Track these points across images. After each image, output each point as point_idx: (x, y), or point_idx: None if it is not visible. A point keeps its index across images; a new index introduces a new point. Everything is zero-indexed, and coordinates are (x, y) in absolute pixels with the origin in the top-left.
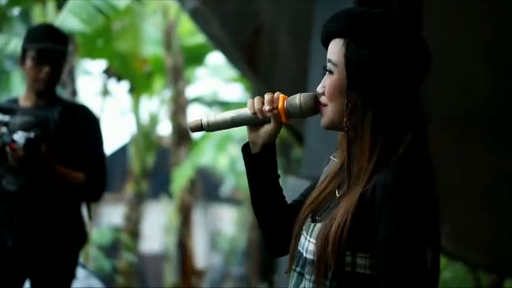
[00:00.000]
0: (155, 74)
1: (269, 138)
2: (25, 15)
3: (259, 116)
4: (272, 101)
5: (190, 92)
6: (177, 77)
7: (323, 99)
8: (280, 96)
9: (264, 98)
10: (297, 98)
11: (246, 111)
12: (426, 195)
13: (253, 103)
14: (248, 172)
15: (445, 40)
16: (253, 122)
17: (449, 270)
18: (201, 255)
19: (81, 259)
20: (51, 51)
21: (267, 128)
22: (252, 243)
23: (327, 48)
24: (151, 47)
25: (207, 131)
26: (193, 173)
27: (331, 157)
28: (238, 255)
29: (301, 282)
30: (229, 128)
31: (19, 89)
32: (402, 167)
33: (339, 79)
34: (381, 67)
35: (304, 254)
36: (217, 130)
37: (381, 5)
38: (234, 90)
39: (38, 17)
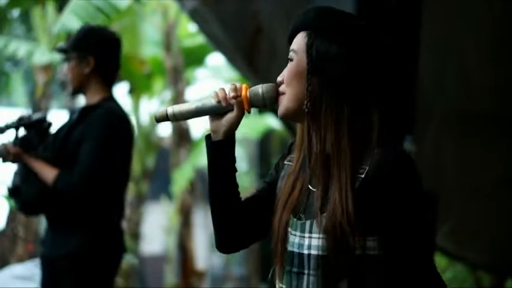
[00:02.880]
0: (155, 74)
1: (231, 126)
2: (25, 17)
3: (223, 104)
4: (236, 90)
5: (190, 93)
6: (177, 78)
7: (282, 87)
8: (243, 85)
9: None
10: (259, 88)
11: (210, 100)
12: (418, 176)
13: (217, 92)
14: (209, 161)
15: (445, 39)
16: (217, 111)
17: (450, 271)
18: (202, 256)
19: None
20: (62, 51)
21: (229, 116)
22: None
23: (290, 44)
24: (150, 48)
25: (172, 121)
26: (194, 174)
27: (285, 162)
28: (239, 256)
29: (301, 281)
30: (193, 117)
31: (19, 90)
32: (389, 150)
33: (297, 65)
34: (337, 54)
35: (305, 251)
36: (182, 120)
37: (380, 7)
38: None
39: (37, 18)
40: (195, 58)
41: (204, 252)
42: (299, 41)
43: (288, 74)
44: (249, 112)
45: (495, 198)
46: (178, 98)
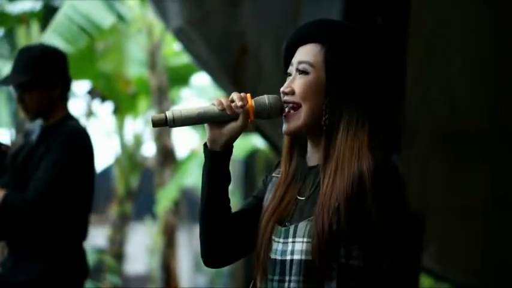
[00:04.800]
0: (140, 94)
1: (232, 136)
2: (9, 36)
3: (228, 112)
4: (242, 99)
5: None
6: (161, 97)
7: (290, 98)
8: (248, 95)
9: (230, 97)
10: (266, 98)
11: (213, 108)
12: (402, 185)
13: (221, 100)
14: (208, 170)
15: (432, 60)
16: (219, 119)
17: None
18: (186, 277)
19: None
20: (23, 83)
21: (232, 126)
22: (237, 264)
23: (288, 53)
24: (135, 68)
25: (170, 126)
26: (178, 194)
27: (273, 175)
28: (223, 277)
29: None
30: (194, 124)
31: (2, 110)
32: (383, 156)
33: (316, 79)
34: (354, 71)
35: (287, 257)
36: (181, 126)
37: (366, 26)
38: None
39: (22, 38)
40: (180, 78)
41: (188, 272)
42: (315, 54)
43: (304, 88)
44: (251, 122)
45: (483, 218)
46: None
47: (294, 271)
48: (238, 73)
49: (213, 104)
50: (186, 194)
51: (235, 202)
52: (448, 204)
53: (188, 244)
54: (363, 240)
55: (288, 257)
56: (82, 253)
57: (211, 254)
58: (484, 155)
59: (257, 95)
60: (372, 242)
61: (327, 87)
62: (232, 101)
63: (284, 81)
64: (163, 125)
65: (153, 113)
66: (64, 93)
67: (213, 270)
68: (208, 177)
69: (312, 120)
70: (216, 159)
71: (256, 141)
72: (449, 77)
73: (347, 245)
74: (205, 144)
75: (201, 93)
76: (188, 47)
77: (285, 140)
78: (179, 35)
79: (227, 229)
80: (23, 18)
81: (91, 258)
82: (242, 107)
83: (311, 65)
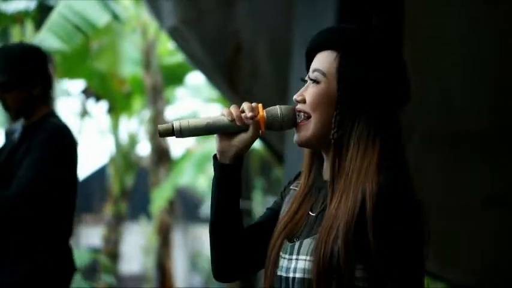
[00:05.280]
0: (134, 93)
1: (243, 147)
2: (3, 35)
3: (238, 123)
4: (253, 109)
5: (170, 112)
6: (156, 97)
7: (302, 106)
8: (259, 105)
9: (240, 106)
10: (278, 109)
11: (222, 118)
12: (416, 209)
13: (231, 110)
14: (217, 183)
15: (427, 61)
16: (229, 130)
17: None
18: (181, 276)
19: None
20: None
21: (242, 137)
22: None
23: (309, 58)
24: (130, 67)
25: (177, 137)
26: (173, 194)
27: (291, 187)
28: None
29: None
30: (201, 135)
31: None
32: (390, 178)
33: (327, 90)
34: (370, 84)
35: (290, 275)
36: (188, 136)
37: (361, 22)
38: (214, 111)
39: (16, 36)
40: (175, 77)
41: (183, 271)
42: (330, 62)
43: (315, 97)
44: (262, 134)
45: (482, 218)
46: (157, 117)
47: None
48: (233, 72)
49: (223, 114)
50: (181, 193)
51: None
52: (447, 204)
53: (183, 244)
54: (365, 263)
55: (291, 275)
56: (68, 252)
57: (222, 268)
58: (484, 155)
59: (252, 94)
60: (374, 266)
61: (337, 98)
62: (243, 111)
63: (279, 80)
64: (170, 135)
65: (147, 112)
66: (45, 91)
67: (208, 270)
68: (218, 190)
69: (322, 133)
70: (225, 171)
71: None
72: (448, 77)
73: (349, 267)
74: (214, 156)
75: (195, 92)
76: (182, 46)
77: (306, 151)
78: (173, 34)
79: (238, 243)
80: (18, 17)
81: (86, 257)
82: (253, 117)
83: (323, 73)
